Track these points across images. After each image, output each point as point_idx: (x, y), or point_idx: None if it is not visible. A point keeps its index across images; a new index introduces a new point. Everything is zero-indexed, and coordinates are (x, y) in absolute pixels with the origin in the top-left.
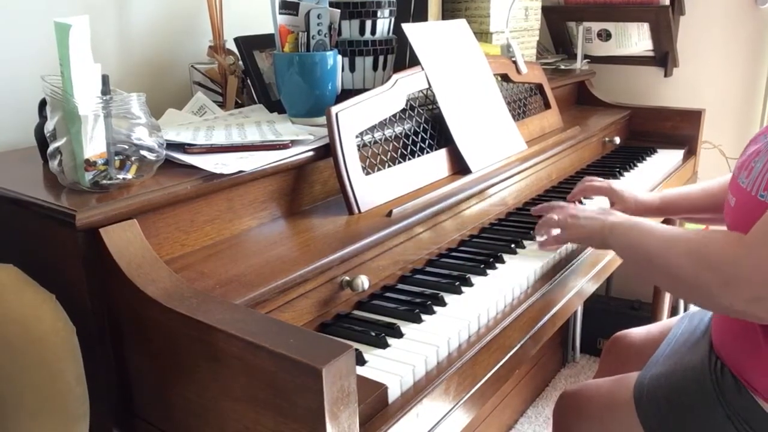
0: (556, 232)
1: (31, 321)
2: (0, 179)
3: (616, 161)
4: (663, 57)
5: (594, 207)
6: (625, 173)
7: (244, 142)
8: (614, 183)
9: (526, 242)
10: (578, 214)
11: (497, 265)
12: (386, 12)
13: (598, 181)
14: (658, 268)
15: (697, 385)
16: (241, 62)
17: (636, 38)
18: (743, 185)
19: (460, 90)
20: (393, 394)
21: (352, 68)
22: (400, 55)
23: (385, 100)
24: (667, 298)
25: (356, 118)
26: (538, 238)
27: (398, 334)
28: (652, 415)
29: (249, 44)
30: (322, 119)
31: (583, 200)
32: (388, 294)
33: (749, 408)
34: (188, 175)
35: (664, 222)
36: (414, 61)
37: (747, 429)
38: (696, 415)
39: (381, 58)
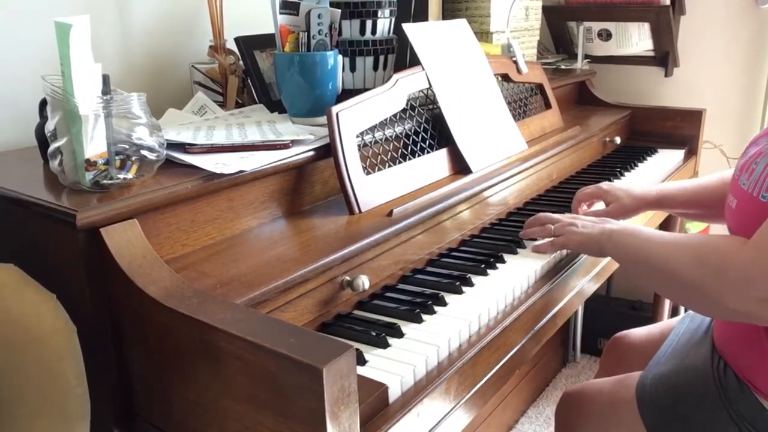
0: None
1: (31, 321)
2: (0, 179)
3: (617, 161)
4: (663, 57)
5: (592, 217)
6: (626, 173)
7: (245, 142)
8: (603, 185)
9: (526, 242)
10: (575, 222)
11: (498, 264)
12: (387, 12)
13: (588, 188)
14: (659, 274)
15: (701, 385)
16: (241, 62)
17: (636, 38)
18: (744, 187)
19: (461, 90)
20: (393, 393)
21: (353, 68)
22: (400, 55)
23: (385, 100)
24: None
25: (357, 118)
26: (534, 244)
27: (399, 334)
28: (655, 415)
29: (249, 44)
30: (323, 119)
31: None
32: (388, 294)
33: (753, 409)
34: (189, 175)
35: (664, 221)
36: (414, 61)
37: (751, 430)
38: (699, 416)
39: (381, 58)
